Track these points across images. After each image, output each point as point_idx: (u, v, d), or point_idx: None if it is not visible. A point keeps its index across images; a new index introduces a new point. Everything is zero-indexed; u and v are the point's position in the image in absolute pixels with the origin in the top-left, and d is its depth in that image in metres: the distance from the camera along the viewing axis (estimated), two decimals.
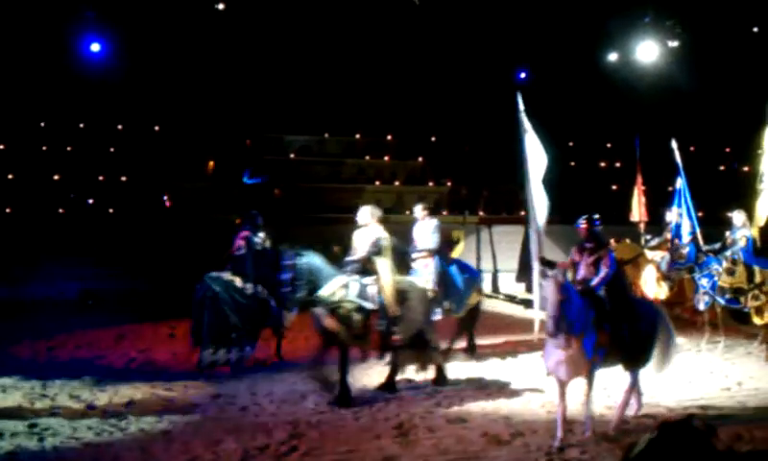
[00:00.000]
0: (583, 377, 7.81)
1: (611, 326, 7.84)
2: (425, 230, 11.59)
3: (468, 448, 7.48)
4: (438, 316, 11.01)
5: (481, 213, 21.03)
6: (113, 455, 7.34)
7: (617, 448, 7.24)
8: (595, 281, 8.07)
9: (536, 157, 13.41)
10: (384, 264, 9.44)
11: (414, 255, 11.39)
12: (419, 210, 11.89)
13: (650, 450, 3.50)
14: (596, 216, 8.64)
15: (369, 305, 9.30)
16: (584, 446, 7.53)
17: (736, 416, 8.50)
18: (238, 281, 10.67)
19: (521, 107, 13.47)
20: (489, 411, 8.73)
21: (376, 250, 9.47)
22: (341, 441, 7.69)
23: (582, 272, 8.27)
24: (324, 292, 9.09)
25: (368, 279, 9.44)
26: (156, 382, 10.03)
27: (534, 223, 12.14)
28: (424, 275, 11.06)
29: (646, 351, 8.19)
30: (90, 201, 18.72)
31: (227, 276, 10.67)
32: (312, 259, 9.17)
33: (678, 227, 13.74)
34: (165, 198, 19.12)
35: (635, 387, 8.31)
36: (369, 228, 9.67)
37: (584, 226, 8.48)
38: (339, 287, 9.19)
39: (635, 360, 8.15)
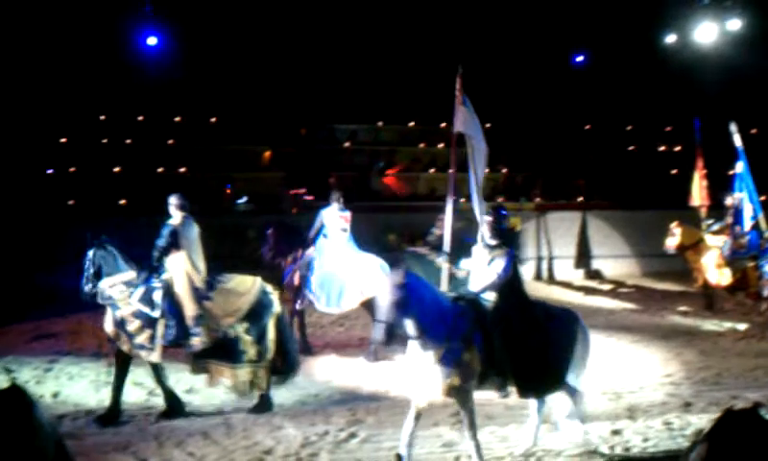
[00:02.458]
0: (446, 399, 6.67)
1: (493, 340, 6.52)
2: None
3: (529, 435, 7.44)
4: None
5: (537, 200, 20.84)
6: (177, 440, 7.49)
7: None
8: (479, 287, 6.88)
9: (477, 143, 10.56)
10: (176, 260, 8.47)
11: None
12: None
13: (715, 439, 3.44)
14: (503, 211, 7.59)
15: (150, 312, 8.33)
16: None
17: None
18: None
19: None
20: (548, 397, 8.67)
21: (168, 241, 8.55)
22: (399, 428, 7.70)
23: (478, 274, 7.03)
24: (103, 284, 8.40)
25: (157, 281, 8.47)
26: None
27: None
28: None
29: (548, 373, 6.78)
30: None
31: None
32: (106, 251, 8.49)
33: (740, 211, 13.49)
34: (228, 187, 19.21)
35: (578, 414, 7.05)
36: (174, 219, 8.69)
37: (489, 220, 7.36)
38: (121, 284, 8.41)
39: (529, 383, 6.76)
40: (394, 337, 6.36)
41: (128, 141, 19.86)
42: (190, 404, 8.63)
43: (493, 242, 7.03)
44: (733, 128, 13.61)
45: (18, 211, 16.00)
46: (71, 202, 17.79)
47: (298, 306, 11.23)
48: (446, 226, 9.01)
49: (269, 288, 8.78)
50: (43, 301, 12.89)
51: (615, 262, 18.84)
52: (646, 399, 8.66)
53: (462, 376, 6.42)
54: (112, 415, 8.19)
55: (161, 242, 8.53)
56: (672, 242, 14.28)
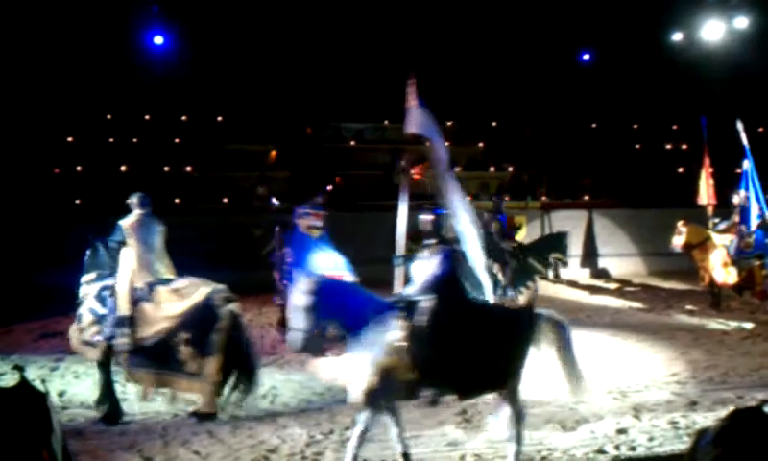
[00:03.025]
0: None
1: (425, 343, 6.18)
2: None
3: (533, 435, 7.44)
4: None
5: (543, 198, 20.83)
6: (183, 440, 7.51)
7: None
8: (409, 289, 6.61)
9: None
10: (125, 259, 8.32)
11: None
12: None
13: (721, 438, 3.43)
14: (440, 210, 7.07)
15: (98, 310, 8.27)
16: None
17: None
18: None
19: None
20: (553, 397, 8.67)
21: (117, 240, 8.40)
22: (404, 428, 7.71)
23: (417, 274, 6.68)
24: (82, 281, 8.45)
25: (112, 279, 8.34)
26: None
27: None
28: None
29: (487, 373, 6.42)
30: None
31: None
32: (106, 250, 8.49)
33: (746, 210, 13.47)
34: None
35: (518, 423, 6.56)
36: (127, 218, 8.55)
37: (428, 217, 6.87)
38: (93, 282, 8.42)
39: (467, 386, 6.46)
40: (311, 343, 6.26)
41: (134, 140, 19.93)
42: (196, 403, 8.62)
43: (431, 241, 6.73)
44: (740, 126, 13.57)
45: (25, 210, 16.06)
46: (78, 201, 17.85)
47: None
48: (400, 227, 8.76)
49: (220, 298, 8.11)
50: (49, 299, 12.90)
51: (621, 261, 18.82)
52: (652, 397, 8.65)
53: (382, 380, 6.20)
54: (114, 413, 8.18)
55: (111, 241, 8.45)
56: (678, 241, 14.27)
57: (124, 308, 8.10)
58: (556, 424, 7.69)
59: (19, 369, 4.23)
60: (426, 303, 6.31)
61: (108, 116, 19.99)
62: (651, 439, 7.31)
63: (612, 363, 10.29)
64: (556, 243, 13.32)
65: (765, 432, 3.38)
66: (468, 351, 6.25)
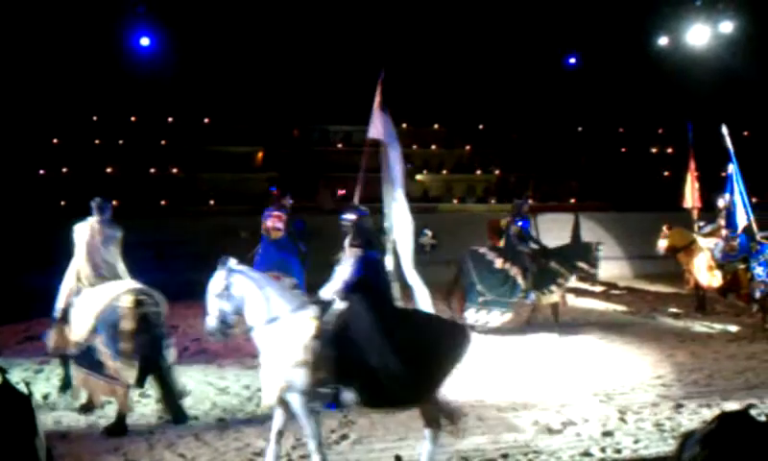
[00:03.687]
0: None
1: (331, 344, 6.18)
2: None
3: (519, 438, 7.45)
4: None
5: (530, 201, 20.85)
6: (168, 442, 7.48)
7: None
8: (323, 292, 6.56)
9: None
10: (74, 261, 8.48)
11: None
12: None
13: (707, 441, 3.44)
14: (363, 208, 6.94)
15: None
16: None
17: None
18: None
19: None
20: (540, 400, 8.69)
21: (73, 243, 8.58)
22: (390, 430, 7.71)
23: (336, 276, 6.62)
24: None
25: None
26: (209, 371, 10.20)
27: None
28: None
29: (402, 384, 6.14)
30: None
31: None
32: None
33: (731, 213, 13.53)
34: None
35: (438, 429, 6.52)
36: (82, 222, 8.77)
37: (352, 218, 6.80)
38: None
39: (377, 394, 6.25)
40: (222, 330, 6.57)
41: (120, 142, 19.87)
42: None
43: (355, 242, 6.65)
44: (725, 130, 13.63)
45: (10, 212, 15.96)
46: (63, 202, 17.75)
47: None
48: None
49: (130, 301, 7.92)
50: (34, 302, 12.81)
51: (607, 264, 18.74)
52: (637, 400, 8.68)
53: (292, 381, 6.25)
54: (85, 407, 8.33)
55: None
56: (663, 244, 14.36)
57: (57, 309, 8.39)
58: (542, 427, 7.70)
59: (2, 371, 4.21)
60: (337, 305, 6.38)
61: (94, 118, 19.92)
62: (637, 441, 7.34)
63: (598, 366, 10.34)
64: (582, 252, 13.17)
65: (751, 436, 3.40)
66: (379, 359, 6.10)
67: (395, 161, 8.63)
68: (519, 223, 12.96)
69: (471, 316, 12.31)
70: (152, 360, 7.99)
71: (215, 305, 6.52)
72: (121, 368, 7.82)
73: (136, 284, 8.26)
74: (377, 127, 8.86)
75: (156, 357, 8.05)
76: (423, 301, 8.18)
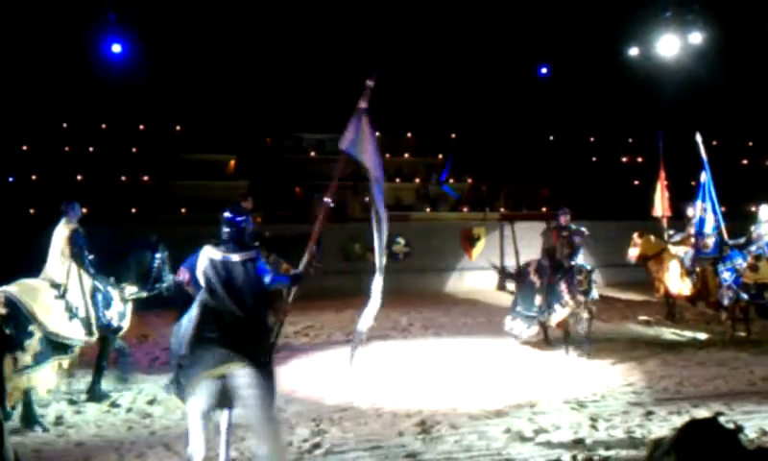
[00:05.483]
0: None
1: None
2: None
3: (492, 445, 7.46)
4: None
5: (502, 210, 20.98)
6: (138, 452, 7.41)
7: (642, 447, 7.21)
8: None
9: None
10: None
11: None
12: None
13: (676, 450, 3.47)
14: (241, 215, 6.75)
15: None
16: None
17: (763, 411, 8.43)
18: None
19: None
20: (512, 407, 8.71)
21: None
22: (363, 438, 7.70)
23: None
24: None
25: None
26: None
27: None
28: None
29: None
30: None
31: None
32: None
33: (702, 221, 13.67)
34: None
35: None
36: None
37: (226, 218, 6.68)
38: None
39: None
40: None
41: (91, 149, 19.71)
42: (151, 415, 8.57)
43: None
44: (699, 138, 13.76)
45: None
46: (32, 210, 17.57)
47: None
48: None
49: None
50: None
51: None
52: (608, 407, 8.72)
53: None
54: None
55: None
56: (634, 252, 14.46)
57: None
58: (514, 434, 7.72)
59: None
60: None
61: (65, 124, 19.77)
62: (608, 448, 7.36)
63: (569, 373, 10.39)
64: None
65: (719, 443, 3.43)
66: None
67: (373, 167, 8.39)
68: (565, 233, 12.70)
69: (508, 323, 12.39)
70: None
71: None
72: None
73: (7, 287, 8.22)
74: (350, 135, 8.55)
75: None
76: (370, 311, 7.71)
